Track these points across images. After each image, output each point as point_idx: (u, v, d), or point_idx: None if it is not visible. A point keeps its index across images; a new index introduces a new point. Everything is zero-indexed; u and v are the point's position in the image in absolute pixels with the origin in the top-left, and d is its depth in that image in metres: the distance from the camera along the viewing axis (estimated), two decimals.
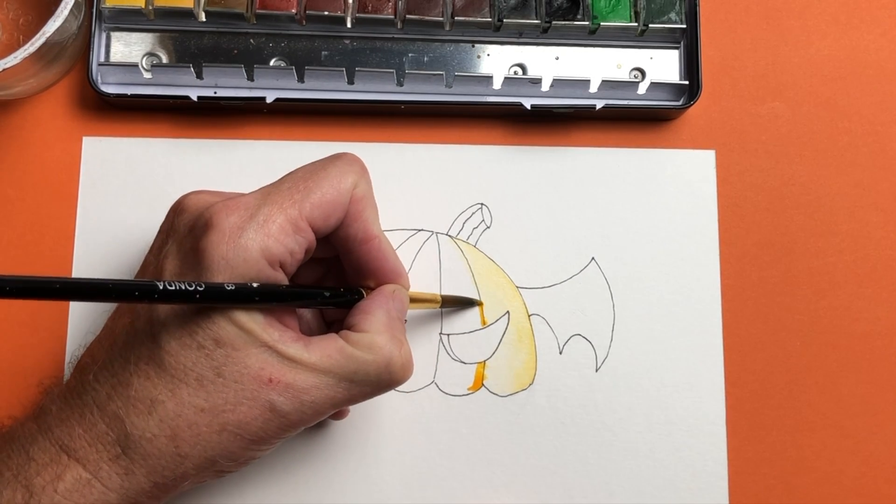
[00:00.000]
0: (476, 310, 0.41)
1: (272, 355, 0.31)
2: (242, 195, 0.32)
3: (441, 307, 0.40)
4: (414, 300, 0.37)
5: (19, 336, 0.40)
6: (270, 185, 0.33)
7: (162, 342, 0.30)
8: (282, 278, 0.32)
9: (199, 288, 0.29)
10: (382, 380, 0.33)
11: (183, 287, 0.28)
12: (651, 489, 0.40)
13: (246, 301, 0.30)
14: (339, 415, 0.39)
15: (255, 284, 0.30)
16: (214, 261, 0.30)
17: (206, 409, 0.30)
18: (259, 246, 0.31)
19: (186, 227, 0.32)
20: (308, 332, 0.37)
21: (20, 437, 0.31)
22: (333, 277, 0.38)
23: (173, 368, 0.30)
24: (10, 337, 0.40)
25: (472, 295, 0.41)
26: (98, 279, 0.27)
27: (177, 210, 0.33)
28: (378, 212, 0.35)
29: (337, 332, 0.33)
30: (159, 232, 0.34)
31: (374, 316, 0.33)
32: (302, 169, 0.34)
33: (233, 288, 0.30)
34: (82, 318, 0.40)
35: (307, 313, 0.37)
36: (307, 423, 0.32)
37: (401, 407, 0.40)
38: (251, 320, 0.30)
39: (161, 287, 0.28)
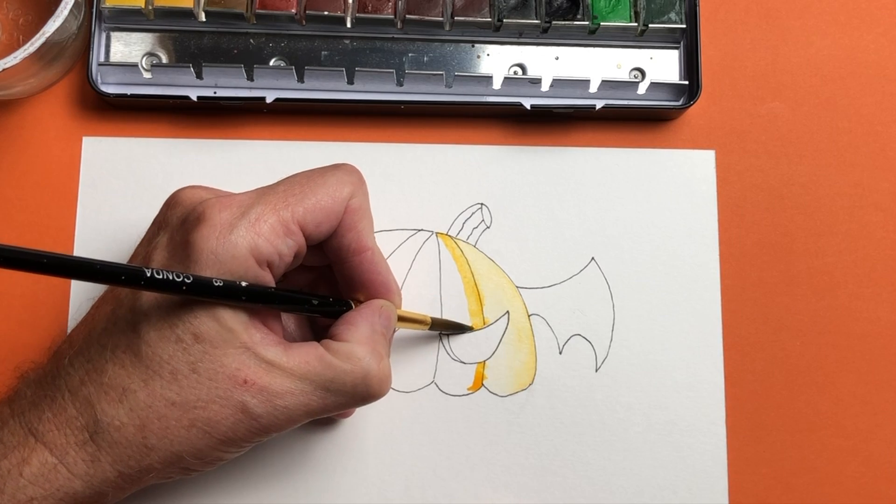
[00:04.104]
0: (475, 311, 0.41)
1: (250, 357, 0.31)
2: (237, 193, 0.33)
3: (430, 329, 0.40)
4: (403, 319, 0.37)
5: (20, 325, 0.40)
6: (267, 186, 0.33)
7: (141, 331, 0.30)
8: (269, 278, 0.32)
9: (186, 280, 0.29)
10: (358, 392, 0.32)
11: (171, 277, 0.28)
12: (651, 489, 0.40)
13: (232, 298, 0.30)
14: (343, 413, 0.39)
15: (243, 283, 0.30)
16: (203, 254, 0.30)
17: (176, 402, 0.30)
18: (248, 243, 0.31)
19: (179, 220, 0.32)
20: (291, 336, 0.37)
21: None
22: (323, 286, 0.38)
23: (149, 359, 0.30)
24: (11, 326, 0.40)
25: (472, 294, 0.41)
26: (86, 258, 0.27)
27: (170, 203, 0.34)
28: (373, 225, 0.35)
29: (320, 340, 0.33)
30: (152, 224, 0.34)
31: (358, 328, 0.33)
32: (300, 174, 0.34)
33: (221, 284, 0.30)
34: (83, 308, 0.40)
35: (295, 318, 0.37)
36: (279, 428, 0.32)
37: (401, 407, 0.40)
38: (234, 319, 0.30)
39: (148, 274, 0.28)
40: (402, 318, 0.37)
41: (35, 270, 0.26)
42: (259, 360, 0.31)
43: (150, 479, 0.32)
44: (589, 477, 0.40)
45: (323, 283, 0.38)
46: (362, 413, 0.40)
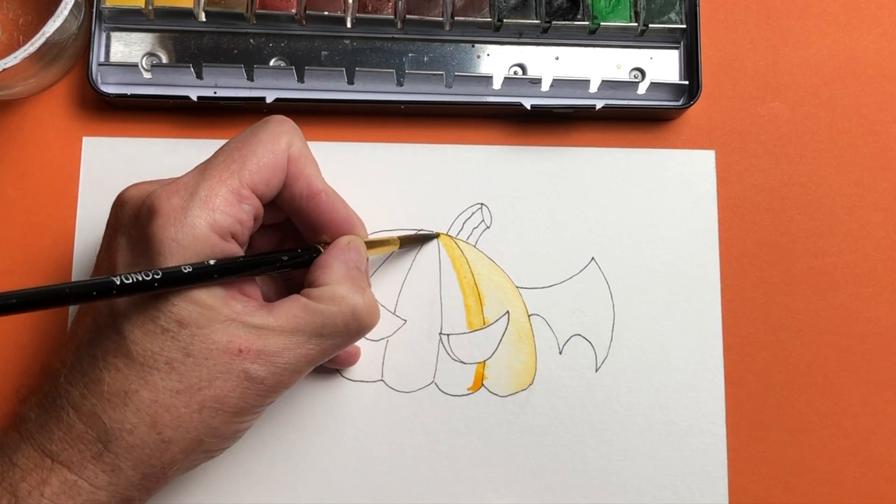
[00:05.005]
0: (475, 311, 0.41)
1: (238, 327, 0.31)
2: (179, 177, 0.33)
3: (400, 248, 0.40)
4: (372, 246, 0.37)
5: (19, 339, 0.40)
6: (205, 161, 0.33)
7: (126, 333, 0.30)
8: (236, 249, 0.32)
9: (156, 276, 0.29)
10: (351, 328, 0.33)
11: (140, 278, 0.28)
12: (651, 489, 0.40)
13: (205, 279, 0.30)
14: (348, 359, 0.39)
15: (212, 261, 0.31)
16: (165, 244, 0.30)
17: (181, 390, 0.30)
18: (206, 221, 0.31)
19: (130, 218, 0.32)
20: (270, 300, 0.37)
21: (4, 446, 0.31)
22: (290, 241, 0.38)
23: (141, 356, 0.30)
24: (11, 340, 0.40)
25: (472, 294, 0.41)
26: (54, 285, 0.27)
27: (118, 204, 0.33)
28: (319, 167, 0.35)
29: (298, 292, 0.33)
30: (106, 228, 0.34)
31: (332, 268, 0.33)
32: (233, 140, 0.34)
33: (190, 270, 0.30)
34: None
35: (270, 282, 0.37)
36: (285, 385, 0.32)
37: (401, 407, 0.40)
38: (212, 296, 0.31)
39: (118, 282, 0.28)
40: (371, 246, 0.37)
41: (6, 313, 0.26)
42: (247, 327, 0.31)
43: (176, 472, 0.32)
44: (589, 477, 0.40)
45: (289, 239, 0.38)
46: (364, 413, 0.40)
